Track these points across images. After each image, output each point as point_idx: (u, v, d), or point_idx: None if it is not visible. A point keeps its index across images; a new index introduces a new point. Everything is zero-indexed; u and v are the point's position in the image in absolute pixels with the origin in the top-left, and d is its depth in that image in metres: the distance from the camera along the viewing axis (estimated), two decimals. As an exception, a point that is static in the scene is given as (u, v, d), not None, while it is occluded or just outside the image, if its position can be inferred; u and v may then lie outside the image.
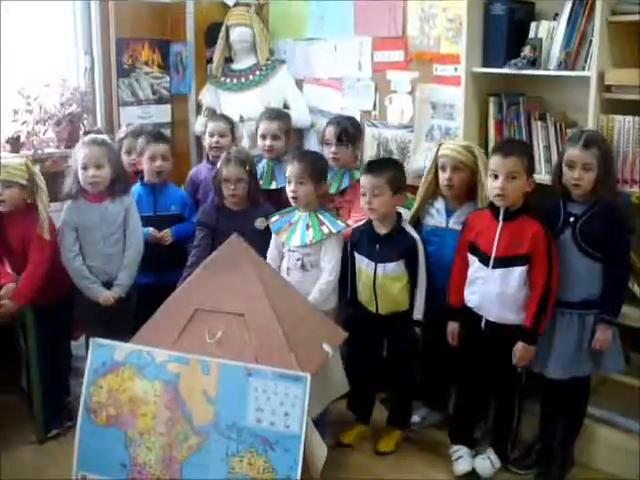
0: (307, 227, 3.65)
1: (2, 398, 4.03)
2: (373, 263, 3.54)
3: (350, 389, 3.47)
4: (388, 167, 3.60)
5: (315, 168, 3.72)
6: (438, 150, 3.67)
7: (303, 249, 3.66)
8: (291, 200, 3.73)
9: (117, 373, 2.91)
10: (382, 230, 3.57)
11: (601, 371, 3.38)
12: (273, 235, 3.77)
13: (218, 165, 3.97)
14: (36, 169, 3.67)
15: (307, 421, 2.75)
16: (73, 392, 3.78)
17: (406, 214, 3.73)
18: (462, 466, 3.46)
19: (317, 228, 3.64)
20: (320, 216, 3.69)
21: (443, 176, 3.62)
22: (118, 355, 2.92)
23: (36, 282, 3.60)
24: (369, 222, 3.62)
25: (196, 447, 2.79)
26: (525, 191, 3.25)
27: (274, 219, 3.77)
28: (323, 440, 3.02)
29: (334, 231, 3.63)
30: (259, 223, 3.88)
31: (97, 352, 2.95)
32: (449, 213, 3.66)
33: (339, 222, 3.71)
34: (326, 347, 3.09)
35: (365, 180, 3.53)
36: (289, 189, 3.71)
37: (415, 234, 3.56)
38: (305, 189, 3.67)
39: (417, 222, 3.77)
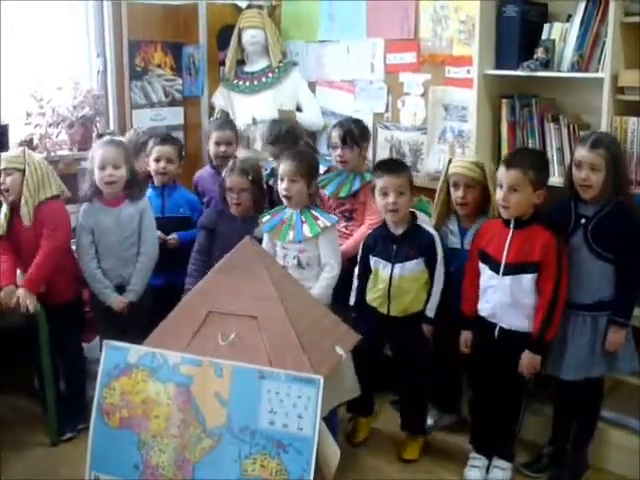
0: (302, 223, 3.67)
1: (15, 400, 4.05)
2: (390, 264, 3.54)
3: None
4: (404, 167, 3.66)
5: (308, 166, 3.74)
6: (448, 167, 3.65)
7: (299, 245, 3.66)
8: (283, 198, 3.72)
9: (130, 375, 2.91)
10: (398, 230, 3.57)
11: (615, 373, 3.37)
12: (265, 235, 3.77)
13: (223, 173, 3.96)
14: (35, 157, 3.69)
15: (320, 423, 2.75)
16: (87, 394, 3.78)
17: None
18: (474, 475, 3.45)
19: (312, 223, 3.66)
20: (313, 212, 3.71)
21: (456, 194, 3.60)
22: (131, 357, 2.92)
23: (45, 272, 3.62)
24: (383, 225, 3.63)
25: (209, 449, 2.79)
26: (533, 203, 3.23)
27: (265, 219, 3.77)
28: (335, 441, 3.01)
29: (329, 224, 3.66)
30: (259, 232, 3.83)
31: (110, 354, 2.96)
32: (462, 233, 3.63)
33: (332, 215, 3.79)
34: (339, 349, 3.09)
35: (388, 180, 3.52)
36: (282, 187, 3.69)
37: (432, 230, 3.57)
38: (298, 187, 3.68)
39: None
